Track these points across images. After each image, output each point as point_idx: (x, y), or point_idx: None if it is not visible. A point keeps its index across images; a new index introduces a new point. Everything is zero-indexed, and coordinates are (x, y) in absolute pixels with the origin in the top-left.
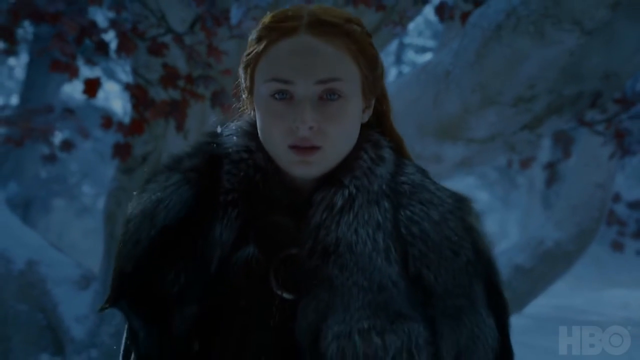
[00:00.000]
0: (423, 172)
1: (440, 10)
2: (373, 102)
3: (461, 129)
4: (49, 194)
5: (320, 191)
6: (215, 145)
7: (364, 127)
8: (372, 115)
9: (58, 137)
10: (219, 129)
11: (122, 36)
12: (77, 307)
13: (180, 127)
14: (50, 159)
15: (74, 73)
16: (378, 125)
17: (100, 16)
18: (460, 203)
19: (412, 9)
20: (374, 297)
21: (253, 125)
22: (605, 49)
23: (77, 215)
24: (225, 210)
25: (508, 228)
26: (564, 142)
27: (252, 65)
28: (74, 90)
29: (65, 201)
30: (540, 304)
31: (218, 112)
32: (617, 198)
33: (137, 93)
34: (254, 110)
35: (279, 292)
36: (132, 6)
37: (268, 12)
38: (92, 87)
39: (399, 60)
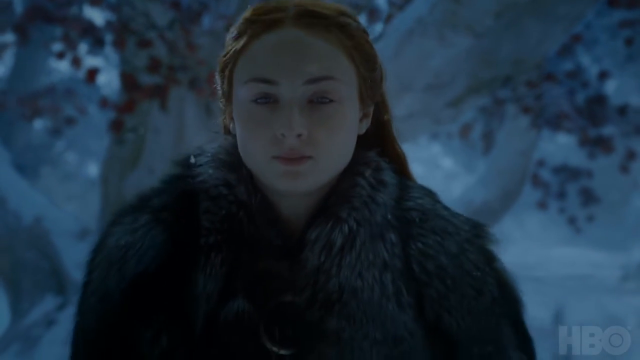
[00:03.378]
0: (432, 195)
1: (371, 14)
2: (372, 110)
3: None
4: (38, 161)
5: (315, 227)
6: (188, 178)
7: (361, 144)
8: (370, 127)
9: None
10: (192, 159)
11: (116, 34)
12: (77, 255)
13: (163, 106)
14: (56, 132)
15: (77, 62)
16: (377, 138)
17: (94, 13)
18: (478, 229)
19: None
20: (390, 351)
21: (231, 152)
22: (514, 40)
23: (61, 181)
24: (208, 256)
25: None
26: (494, 116)
27: (230, 66)
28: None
29: (50, 168)
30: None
31: (194, 96)
32: (541, 163)
33: (127, 79)
34: (233, 122)
35: (275, 349)
36: (123, 8)
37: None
38: (92, 75)
39: None
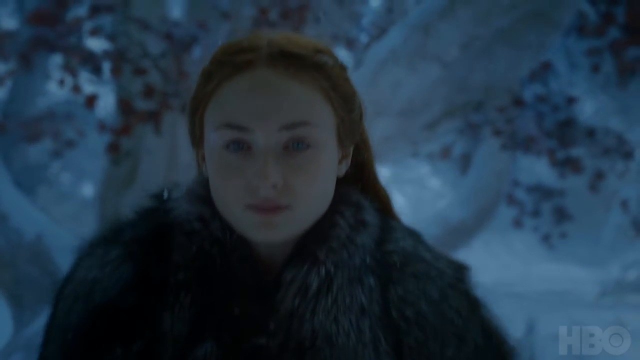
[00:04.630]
0: (415, 237)
1: (349, 44)
2: (351, 150)
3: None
4: (35, 181)
5: (290, 269)
6: (162, 212)
7: (341, 182)
8: (350, 167)
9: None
10: (165, 193)
11: (113, 62)
12: None
13: (157, 130)
14: (56, 154)
15: (77, 89)
16: (357, 177)
17: (93, 42)
18: (461, 273)
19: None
20: None
21: (206, 187)
22: (485, 67)
23: (56, 201)
24: (177, 296)
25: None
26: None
27: (200, 108)
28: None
29: (46, 188)
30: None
31: (185, 120)
32: (515, 183)
33: (124, 104)
34: (205, 164)
35: None
36: (120, 38)
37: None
38: (91, 101)
39: None
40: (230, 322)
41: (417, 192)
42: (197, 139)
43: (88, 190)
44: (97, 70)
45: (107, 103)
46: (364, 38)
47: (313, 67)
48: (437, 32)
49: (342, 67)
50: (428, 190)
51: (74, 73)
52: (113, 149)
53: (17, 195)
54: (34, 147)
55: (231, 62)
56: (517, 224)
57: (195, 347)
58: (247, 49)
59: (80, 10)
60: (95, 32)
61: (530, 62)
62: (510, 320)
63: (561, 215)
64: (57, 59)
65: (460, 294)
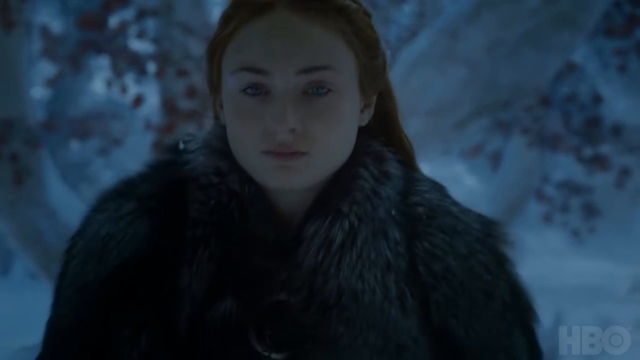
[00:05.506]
0: (441, 190)
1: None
2: (374, 99)
3: None
4: (77, 179)
5: (312, 222)
6: (177, 165)
7: (363, 132)
8: (373, 117)
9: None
10: (181, 145)
11: (158, 64)
12: None
13: (199, 128)
14: (104, 152)
15: (124, 90)
16: (381, 129)
17: (139, 45)
18: (490, 228)
19: None
20: (391, 359)
21: (223, 139)
22: (512, 68)
23: (89, 199)
24: (195, 251)
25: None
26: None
27: (218, 53)
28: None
29: (87, 185)
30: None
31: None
32: (545, 180)
33: (168, 104)
34: (223, 111)
35: (266, 353)
36: (164, 41)
37: None
38: (138, 101)
39: None
40: (250, 277)
41: (452, 189)
42: (215, 85)
43: None
44: (142, 72)
45: (151, 103)
46: (396, 41)
47: (335, 10)
48: (464, 36)
49: (367, 13)
50: (463, 188)
51: (120, 74)
52: (158, 146)
53: (66, 191)
54: (75, 145)
55: (250, 4)
56: (547, 219)
57: (214, 304)
58: None
59: (126, 14)
60: (141, 35)
61: (556, 62)
62: (539, 314)
63: (589, 211)
64: (100, 60)
65: (488, 250)
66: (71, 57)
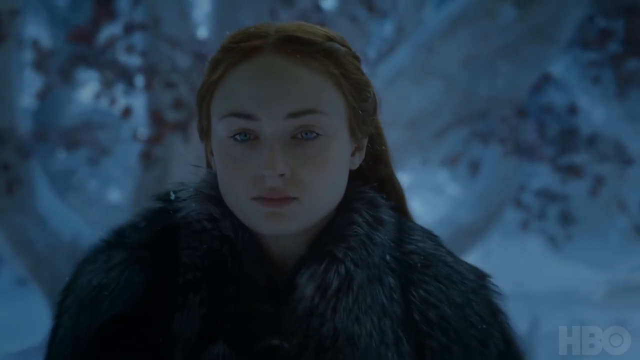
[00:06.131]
0: (434, 238)
1: (362, 61)
2: (365, 142)
3: None
4: (64, 187)
5: (307, 267)
6: (169, 213)
7: (356, 177)
8: (365, 160)
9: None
10: (172, 195)
11: (146, 77)
12: None
13: (185, 138)
14: (93, 162)
15: (113, 102)
16: (373, 173)
17: (128, 58)
18: (483, 280)
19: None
20: None
21: (215, 187)
22: (488, 81)
23: (83, 206)
24: (186, 296)
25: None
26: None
27: (207, 98)
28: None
29: (73, 194)
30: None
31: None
32: (522, 188)
33: (155, 115)
34: (214, 157)
35: None
36: (152, 55)
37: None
38: (126, 112)
39: None
40: (242, 322)
41: (435, 197)
42: (204, 131)
43: (115, 196)
44: (130, 84)
45: (138, 113)
46: (374, 54)
47: (323, 54)
48: (440, 51)
49: (355, 56)
50: (445, 195)
51: (109, 86)
52: (145, 156)
53: (55, 200)
54: (62, 154)
55: (238, 49)
56: (525, 226)
57: (206, 349)
58: (254, 36)
59: (115, 28)
60: (129, 50)
61: (532, 75)
62: (516, 318)
63: (566, 218)
64: (88, 71)
65: (482, 300)
66: (61, 70)
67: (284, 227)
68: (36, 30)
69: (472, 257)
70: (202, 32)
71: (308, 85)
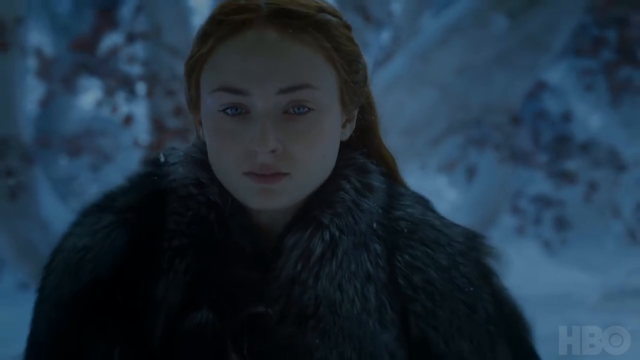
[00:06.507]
0: (424, 203)
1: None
2: (356, 113)
3: None
4: (64, 192)
5: (292, 233)
6: (157, 177)
7: (345, 146)
8: (354, 131)
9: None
10: (161, 157)
11: (147, 85)
12: None
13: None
14: (96, 168)
15: (114, 109)
16: (363, 142)
17: (130, 67)
18: (474, 241)
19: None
20: None
21: (205, 152)
22: (482, 89)
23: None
24: (171, 262)
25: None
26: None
27: (196, 71)
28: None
29: (74, 199)
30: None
31: None
32: (518, 193)
33: (156, 122)
34: (202, 128)
35: None
36: (152, 64)
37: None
38: (128, 120)
39: None
40: (228, 289)
41: (435, 202)
42: (193, 103)
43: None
44: (132, 92)
45: (139, 120)
46: (372, 64)
47: (315, 26)
48: (435, 60)
49: (347, 26)
50: (445, 201)
51: (111, 94)
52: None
53: (58, 205)
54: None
55: (228, 21)
56: (520, 231)
57: (189, 315)
58: (245, 8)
59: (117, 38)
60: (131, 60)
61: (525, 83)
62: None
63: (561, 223)
64: (89, 79)
65: (471, 262)
66: (64, 78)
67: (274, 202)
68: (38, 37)
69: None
70: None
71: (300, 60)
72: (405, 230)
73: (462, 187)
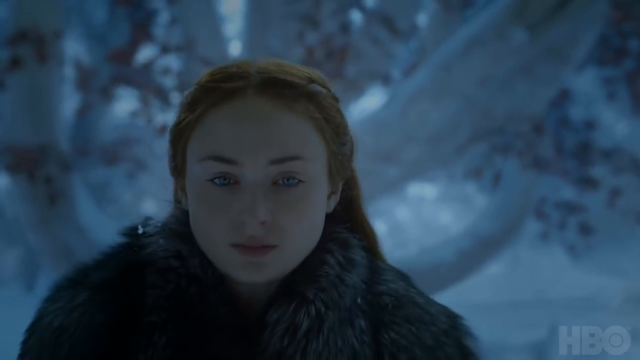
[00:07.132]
0: (405, 279)
1: (385, 81)
2: (340, 186)
3: (396, 154)
4: (100, 199)
5: (276, 307)
6: (135, 249)
7: (329, 219)
8: (338, 204)
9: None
10: (139, 229)
11: (182, 95)
12: None
13: None
14: (131, 175)
15: (150, 119)
16: (346, 214)
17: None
18: (454, 321)
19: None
20: None
21: (184, 223)
22: (505, 98)
23: (116, 218)
24: (150, 337)
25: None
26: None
27: (184, 138)
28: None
29: (108, 206)
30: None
31: None
32: (543, 200)
33: None
34: (186, 197)
35: None
36: (184, 75)
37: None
38: (163, 129)
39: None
40: None
41: (462, 209)
42: (178, 169)
43: (147, 208)
44: (166, 102)
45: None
46: (397, 74)
47: (306, 97)
48: (457, 71)
49: (335, 98)
50: (473, 207)
51: (146, 104)
52: None
53: (95, 211)
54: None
55: (218, 89)
56: (545, 236)
57: None
58: (236, 76)
59: (152, 50)
60: (165, 72)
61: (548, 92)
62: (537, 324)
63: (585, 228)
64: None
65: (454, 342)
66: (101, 88)
67: (261, 276)
68: (75, 46)
69: (500, 267)
70: (234, 53)
71: (291, 130)
72: (390, 306)
73: (490, 194)
